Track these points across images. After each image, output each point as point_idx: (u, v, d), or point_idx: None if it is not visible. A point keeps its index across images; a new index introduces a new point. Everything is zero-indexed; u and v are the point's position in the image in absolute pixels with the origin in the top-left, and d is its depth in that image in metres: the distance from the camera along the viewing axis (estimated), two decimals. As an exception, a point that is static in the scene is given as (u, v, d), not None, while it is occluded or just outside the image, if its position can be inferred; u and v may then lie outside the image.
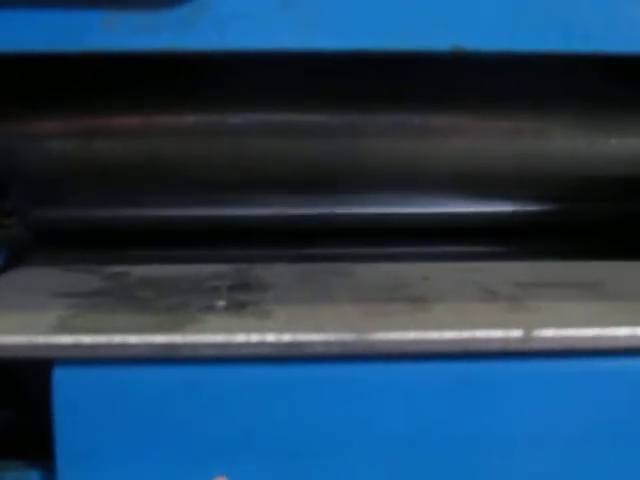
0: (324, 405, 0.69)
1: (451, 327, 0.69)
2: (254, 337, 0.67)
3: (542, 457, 0.70)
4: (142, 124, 0.95)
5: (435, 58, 0.74)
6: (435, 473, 0.70)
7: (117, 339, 0.67)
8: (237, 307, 0.74)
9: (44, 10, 0.70)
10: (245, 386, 0.69)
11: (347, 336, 0.68)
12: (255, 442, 0.69)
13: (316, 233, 1.00)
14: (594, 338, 0.69)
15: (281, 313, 0.72)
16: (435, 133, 0.97)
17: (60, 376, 0.68)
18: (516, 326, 0.69)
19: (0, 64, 0.73)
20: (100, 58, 0.73)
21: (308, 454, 0.69)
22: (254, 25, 0.71)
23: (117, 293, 0.79)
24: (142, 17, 0.71)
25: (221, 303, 0.75)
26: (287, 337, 0.68)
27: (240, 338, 0.67)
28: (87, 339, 0.67)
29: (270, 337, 0.67)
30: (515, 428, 0.70)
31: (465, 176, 0.99)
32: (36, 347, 0.67)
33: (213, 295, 0.77)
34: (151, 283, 0.82)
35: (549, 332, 0.68)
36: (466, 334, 0.68)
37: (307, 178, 0.97)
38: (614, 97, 1.00)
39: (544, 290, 0.80)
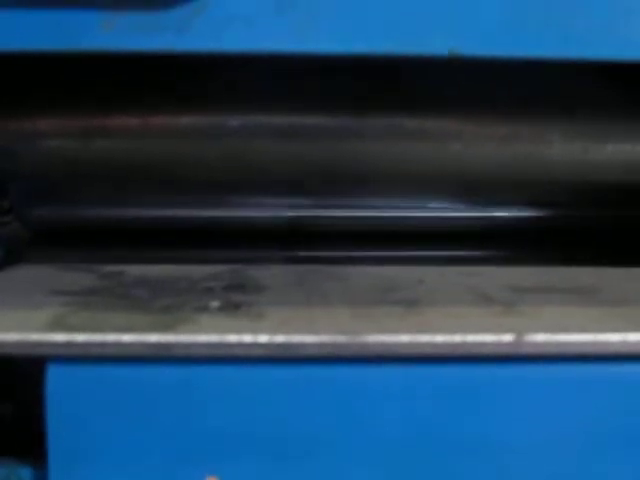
0: (316, 406, 0.69)
1: (443, 330, 0.69)
2: (247, 337, 0.67)
3: (532, 461, 0.70)
4: (139, 124, 0.96)
5: (432, 62, 0.75)
6: (426, 476, 0.70)
7: (111, 337, 0.67)
8: (231, 308, 0.74)
9: (43, 10, 0.70)
10: (238, 386, 0.69)
11: (340, 338, 0.68)
12: (247, 442, 0.69)
13: (311, 235, 1.01)
14: (585, 343, 0.69)
15: (275, 314, 0.73)
16: (431, 137, 0.98)
17: (53, 374, 0.68)
18: (508, 330, 0.69)
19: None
20: (98, 59, 0.73)
21: (299, 455, 0.70)
22: (251, 27, 0.71)
23: (112, 292, 0.79)
24: (141, 18, 0.71)
25: (215, 304, 0.75)
26: (280, 338, 0.68)
27: (233, 338, 0.67)
28: (81, 337, 0.67)
29: (263, 338, 0.68)
30: (505, 432, 0.70)
31: (462, 180, 0.99)
32: (30, 344, 0.67)
33: (207, 295, 0.77)
34: (146, 283, 0.82)
35: (540, 337, 0.68)
36: (457, 338, 0.68)
37: (303, 180, 0.98)
38: (612, 103, 1.01)
39: (539, 295, 0.80)
